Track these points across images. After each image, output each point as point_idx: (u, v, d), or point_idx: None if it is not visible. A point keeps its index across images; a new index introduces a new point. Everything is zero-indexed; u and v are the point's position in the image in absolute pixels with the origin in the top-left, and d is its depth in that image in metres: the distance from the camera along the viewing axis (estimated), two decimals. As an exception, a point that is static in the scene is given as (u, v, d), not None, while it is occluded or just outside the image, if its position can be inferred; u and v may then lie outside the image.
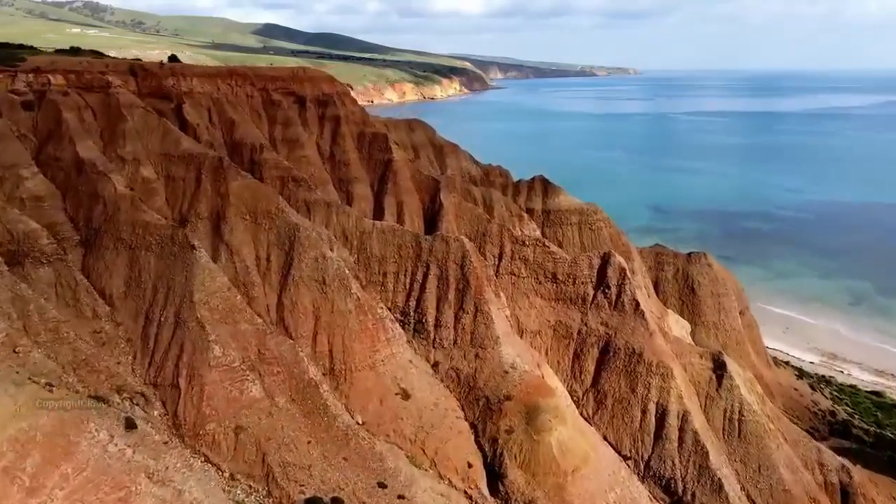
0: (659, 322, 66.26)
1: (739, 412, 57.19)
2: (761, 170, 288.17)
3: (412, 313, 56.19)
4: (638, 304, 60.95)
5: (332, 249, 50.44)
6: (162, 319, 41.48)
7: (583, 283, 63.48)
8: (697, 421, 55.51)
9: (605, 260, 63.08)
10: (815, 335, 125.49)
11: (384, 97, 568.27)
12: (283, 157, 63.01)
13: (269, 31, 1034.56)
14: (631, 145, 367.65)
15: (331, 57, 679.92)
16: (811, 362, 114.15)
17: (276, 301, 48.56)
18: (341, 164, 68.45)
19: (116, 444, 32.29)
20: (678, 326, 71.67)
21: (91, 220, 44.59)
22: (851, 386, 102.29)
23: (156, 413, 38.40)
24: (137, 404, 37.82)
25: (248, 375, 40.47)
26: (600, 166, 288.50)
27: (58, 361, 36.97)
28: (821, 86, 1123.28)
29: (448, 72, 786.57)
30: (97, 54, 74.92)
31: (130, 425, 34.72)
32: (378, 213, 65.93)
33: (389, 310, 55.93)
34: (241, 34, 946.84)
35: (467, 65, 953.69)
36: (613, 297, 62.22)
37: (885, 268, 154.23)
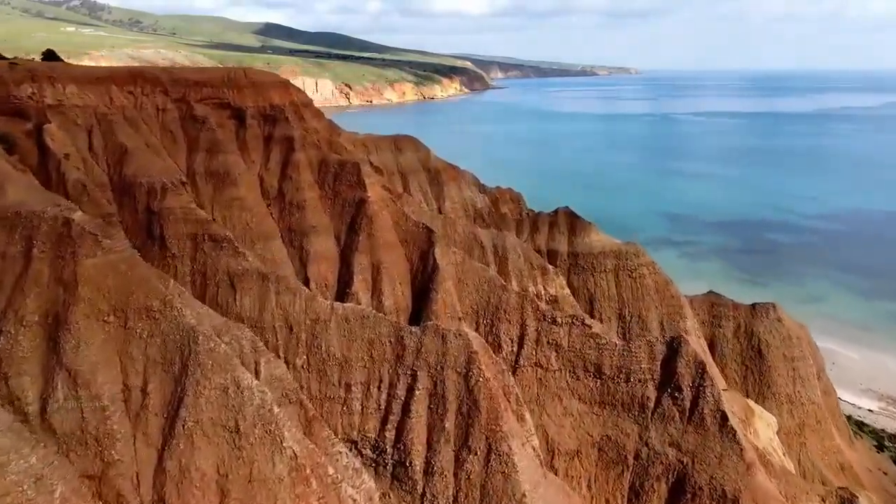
0: (744, 428, 46.61)
1: None
2: (778, 174, 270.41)
3: (389, 449, 36.31)
4: (726, 418, 41.20)
5: (254, 370, 30.53)
6: None
7: (640, 382, 43.68)
8: None
9: (674, 348, 43.27)
10: (864, 372, 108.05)
11: (383, 97, 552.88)
12: (205, 200, 43.04)
13: (269, 30, 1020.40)
14: (637, 147, 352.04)
15: (330, 56, 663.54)
16: (870, 410, 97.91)
17: (153, 466, 28.68)
18: (293, 207, 47.56)
19: None
20: (763, 425, 51.81)
21: None
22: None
23: None
24: None
25: None
26: (607, 171, 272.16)
27: None
28: (826, 86, 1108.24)
29: (448, 71, 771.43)
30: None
31: None
32: (345, 280, 45.71)
33: (355, 443, 36.12)
34: (241, 33, 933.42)
35: (468, 64, 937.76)
36: (687, 405, 42.41)
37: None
